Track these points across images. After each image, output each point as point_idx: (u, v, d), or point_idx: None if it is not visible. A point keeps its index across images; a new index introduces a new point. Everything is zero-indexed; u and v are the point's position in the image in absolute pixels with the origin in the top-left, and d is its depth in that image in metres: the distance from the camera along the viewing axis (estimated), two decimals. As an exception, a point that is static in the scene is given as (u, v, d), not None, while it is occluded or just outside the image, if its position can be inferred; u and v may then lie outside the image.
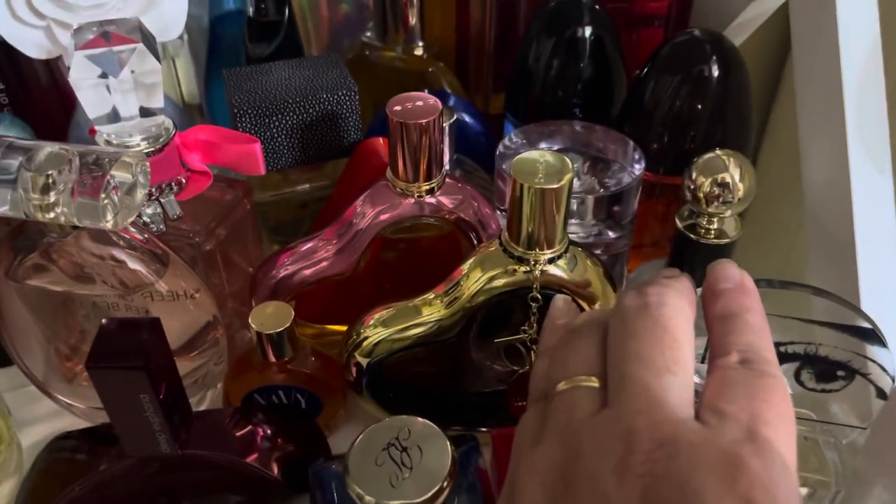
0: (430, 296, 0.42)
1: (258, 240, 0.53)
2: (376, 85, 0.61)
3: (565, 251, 0.39)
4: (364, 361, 0.44)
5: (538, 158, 0.37)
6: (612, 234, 0.50)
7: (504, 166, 0.49)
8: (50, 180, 0.38)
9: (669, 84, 0.49)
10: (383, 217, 0.45)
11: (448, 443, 0.35)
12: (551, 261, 0.39)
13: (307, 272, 0.47)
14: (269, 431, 0.44)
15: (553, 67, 0.54)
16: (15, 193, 0.38)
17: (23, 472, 0.44)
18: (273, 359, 0.45)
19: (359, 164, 0.51)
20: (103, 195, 0.37)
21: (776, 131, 0.61)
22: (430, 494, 0.33)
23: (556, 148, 0.51)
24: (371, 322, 0.44)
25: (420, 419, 0.36)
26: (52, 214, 0.38)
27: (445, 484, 0.34)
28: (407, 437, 0.35)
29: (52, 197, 0.38)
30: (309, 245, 0.47)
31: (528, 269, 0.39)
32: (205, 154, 0.47)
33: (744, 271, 0.32)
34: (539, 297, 0.39)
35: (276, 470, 0.43)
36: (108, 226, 0.38)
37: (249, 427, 0.44)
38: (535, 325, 0.40)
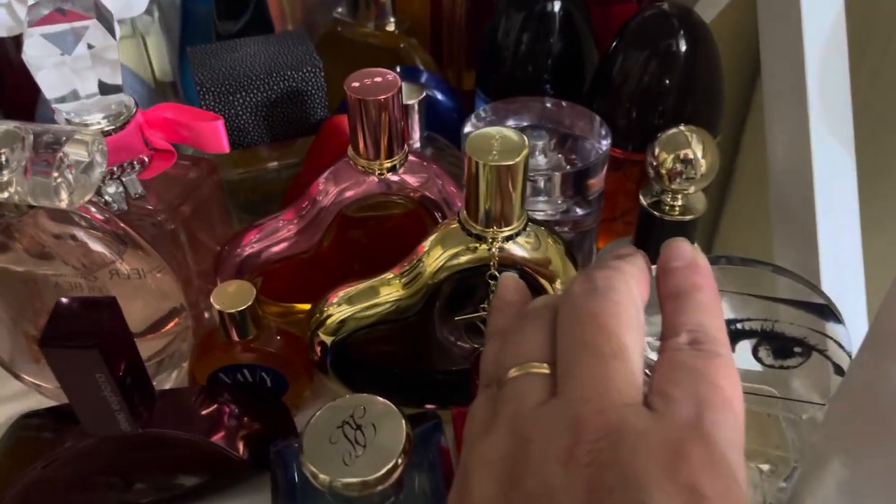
0: (389, 275, 0.42)
1: (226, 218, 0.53)
2: (349, 61, 0.60)
3: (524, 228, 0.39)
4: (328, 340, 0.44)
5: (494, 135, 0.37)
6: (580, 211, 0.49)
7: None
8: (2, 158, 0.37)
9: (637, 59, 0.49)
10: (346, 195, 0.45)
11: (403, 420, 0.35)
12: (509, 238, 0.39)
13: (272, 250, 0.47)
14: (234, 410, 0.44)
15: (523, 43, 0.53)
16: (-33, 171, 0.38)
17: (-12, 451, 0.44)
18: (236, 337, 0.45)
19: (324, 141, 0.51)
20: (56, 174, 0.37)
21: (760, 111, 0.61)
22: (383, 472, 0.33)
23: (524, 125, 0.50)
24: (335, 300, 0.44)
25: (379, 398, 0.36)
26: (5, 194, 0.38)
27: (399, 461, 0.34)
28: (362, 415, 0.35)
29: (5, 175, 0.38)
30: (271, 223, 0.47)
31: (487, 246, 0.39)
32: (168, 132, 0.47)
33: (697, 249, 0.31)
34: (497, 274, 0.39)
35: (241, 449, 0.43)
36: (63, 204, 0.38)
37: (215, 406, 0.44)
38: (494, 302, 0.40)
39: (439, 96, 0.57)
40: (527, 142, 0.37)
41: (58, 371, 0.37)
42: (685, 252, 0.31)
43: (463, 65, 0.64)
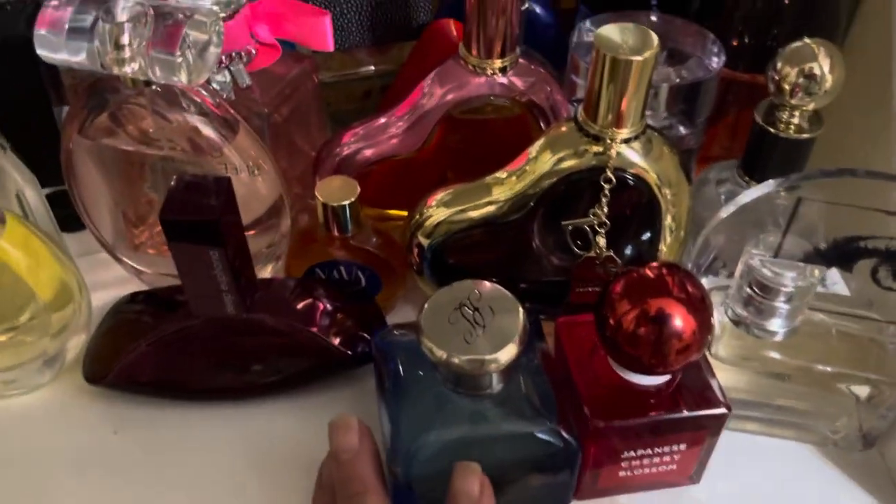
0: (502, 175, 0.42)
1: (323, 124, 0.53)
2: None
3: (643, 132, 0.38)
4: (425, 242, 0.44)
5: (624, 30, 0.36)
6: (683, 130, 0.48)
7: (578, 50, 0.47)
8: (126, 34, 0.37)
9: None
10: (452, 96, 0.44)
11: (519, 305, 0.35)
12: (627, 141, 0.38)
13: (370, 151, 0.47)
14: (328, 305, 0.45)
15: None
16: (91, 45, 0.38)
17: (91, 330, 0.46)
18: (336, 233, 0.45)
19: (428, 45, 0.50)
20: (178, 52, 0.37)
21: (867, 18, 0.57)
22: (504, 350, 0.34)
23: (631, 39, 0.49)
24: (433, 203, 0.44)
25: (488, 282, 0.36)
26: (127, 68, 0.38)
27: (518, 343, 0.34)
28: (478, 298, 0.35)
29: (128, 51, 0.38)
30: (375, 123, 0.47)
31: (603, 149, 0.38)
32: (274, 26, 0.47)
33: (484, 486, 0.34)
34: (612, 178, 0.38)
35: (337, 342, 0.44)
36: (182, 81, 0.38)
37: (310, 299, 0.45)
38: (604, 207, 0.39)
39: (539, 10, 0.55)
40: (656, 40, 0.36)
41: (173, 246, 0.38)
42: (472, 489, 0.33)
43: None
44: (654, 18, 0.50)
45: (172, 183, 0.38)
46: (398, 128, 0.46)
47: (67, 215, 0.48)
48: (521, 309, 0.35)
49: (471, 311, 0.35)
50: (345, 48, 0.51)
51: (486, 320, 0.35)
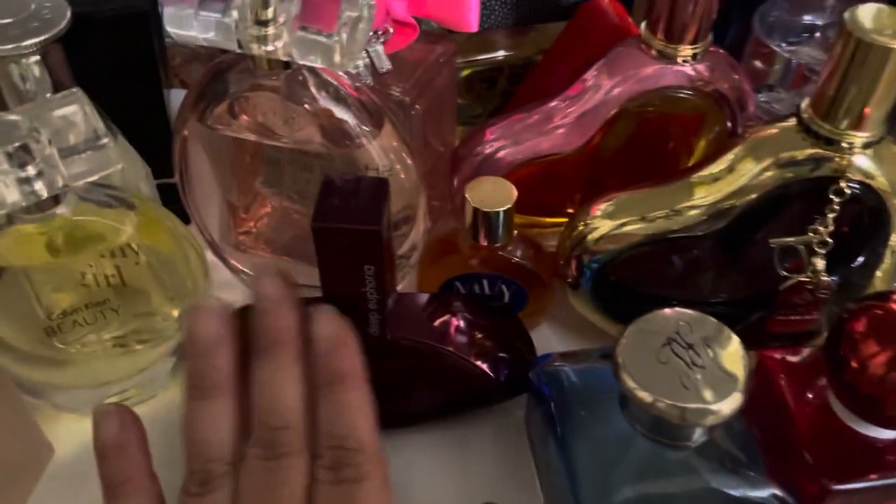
0: (687, 182, 0.36)
1: (453, 117, 0.47)
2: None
3: (884, 136, 0.32)
4: (588, 257, 0.38)
5: (879, 12, 0.29)
6: None
7: (764, 31, 0.41)
8: (271, 6, 0.32)
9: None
10: (628, 86, 0.38)
11: (739, 341, 0.29)
12: (869, 145, 0.32)
13: (518, 150, 0.41)
14: (470, 324, 0.39)
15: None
16: (225, 19, 0.33)
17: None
18: (485, 242, 0.39)
19: (582, 28, 0.44)
20: (335, 31, 0.31)
21: None
22: (730, 399, 0.28)
23: (820, 23, 0.42)
24: (598, 212, 0.38)
25: (702, 314, 0.30)
26: (270, 47, 0.33)
27: (744, 388, 0.28)
28: (689, 332, 0.29)
29: (272, 27, 0.32)
30: (525, 119, 0.41)
31: (833, 154, 0.32)
32: (412, 3, 0.41)
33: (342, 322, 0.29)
34: (846, 190, 0.32)
35: (482, 367, 0.38)
36: (337, 65, 0.32)
37: (448, 316, 0.39)
38: (829, 225, 0.33)
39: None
40: (925, 24, 0.29)
41: (322, 255, 0.32)
42: (331, 330, 0.29)
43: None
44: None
45: (323, 182, 0.32)
46: (555, 124, 0.40)
47: (175, 210, 0.43)
48: (741, 347, 0.29)
49: (684, 349, 0.29)
50: (484, 29, 0.45)
51: (704, 360, 0.29)
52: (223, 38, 0.33)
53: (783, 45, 0.41)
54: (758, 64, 0.42)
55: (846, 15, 0.30)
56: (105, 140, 0.29)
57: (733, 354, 0.29)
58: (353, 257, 0.32)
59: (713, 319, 0.30)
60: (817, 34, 0.42)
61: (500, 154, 0.41)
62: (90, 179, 0.30)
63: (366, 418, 0.28)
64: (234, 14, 0.32)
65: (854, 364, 0.29)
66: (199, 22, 0.33)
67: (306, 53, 0.32)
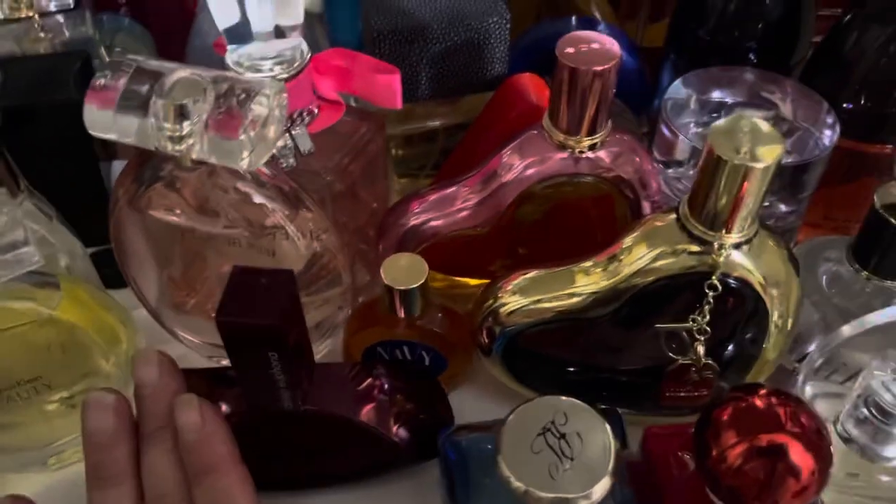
0: (588, 263, 0.38)
1: (386, 175, 0.49)
2: (518, 5, 0.55)
3: (755, 235, 0.34)
4: (498, 330, 0.41)
5: (743, 127, 0.32)
6: (783, 208, 0.43)
7: (672, 114, 0.43)
8: (184, 110, 0.34)
9: (880, 36, 0.42)
10: (531, 171, 0.40)
11: (610, 433, 0.31)
12: (738, 246, 0.34)
13: (439, 223, 0.43)
14: (390, 388, 0.41)
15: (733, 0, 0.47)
16: (144, 122, 0.35)
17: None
18: (402, 314, 0.41)
19: (503, 103, 0.46)
20: (241, 134, 0.34)
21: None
22: (594, 490, 0.30)
23: (730, 101, 0.44)
24: (510, 288, 0.40)
25: (579, 402, 0.32)
26: (184, 146, 0.35)
27: (609, 478, 0.31)
28: (564, 422, 0.32)
29: (186, 128, 0.35)
30: (445, 193, 0.43)
31: (707, 252, 0.34)
32: (339, 81, 0.43)
33: (207, 408, 0.32)
34: (718, 285, 0.34)
35: (397, 431, 0.41)
36: (244, 165, 0.35)
37: (370, 382, 0.42)
38: (706, 315, 0.35)
39: (623, 55, 0.50)
40: (783, 140, 0.31)
41: (230, 344, 0.35)
42: (193, 418, 0.30)
43: (647, 18, 0.57)
44: (759, 79, 0.45)
45: (230, 275, 0.35)
46: (471, 200, 0.42)
47: (114, 273, 0.46)
48: (610, 436, 0.32)
49: (556, 439, 0.32)
50: (411, 101, 0.47)
51: (573, 451, 0.31)
52: (142, 140, 0.35)
53: (692, 123, 0.43)
54: (665, 132, 0.43)
55: (711, 127, 0.32)
56: (26, 249, 0.32)
57: (602, 447, 0.31)
58: (258, 347, 0.34)
59: (590, 410, 0.32)
60: (725, 112, 0.43)
61: (424, 227, 0.44)
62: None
63: (244, 499, 0.30)
64: (152, 120, 0.34)
65: (714, 452, 0.32)
66: (119, 125, 0.35)
67: (217, 154, 0.35)
